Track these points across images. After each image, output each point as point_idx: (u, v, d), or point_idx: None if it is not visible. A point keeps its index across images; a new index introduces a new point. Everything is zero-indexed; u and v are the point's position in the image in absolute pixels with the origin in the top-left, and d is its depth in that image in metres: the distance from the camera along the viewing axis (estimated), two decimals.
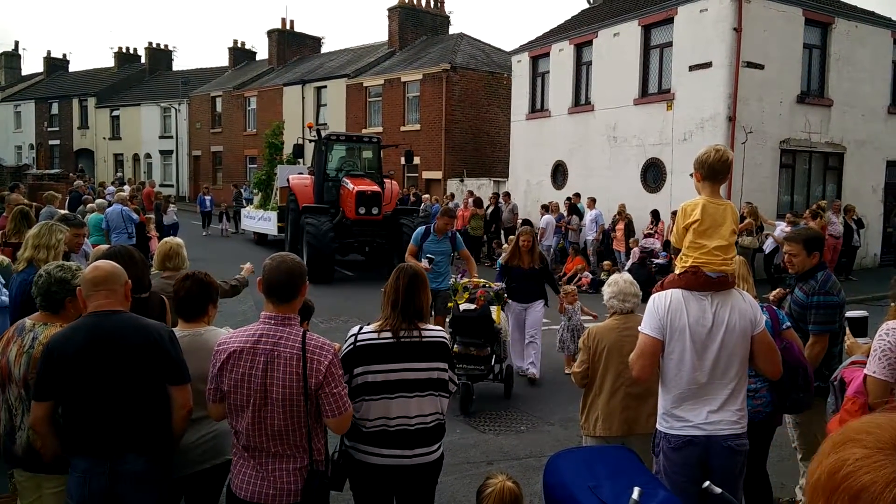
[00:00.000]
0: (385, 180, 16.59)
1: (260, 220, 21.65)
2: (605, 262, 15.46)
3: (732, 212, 3.20)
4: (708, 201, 3.13)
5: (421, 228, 8.14)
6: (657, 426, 3.30)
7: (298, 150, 18.11)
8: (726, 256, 3.13)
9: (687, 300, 3.12)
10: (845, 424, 1.04)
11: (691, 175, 3.33)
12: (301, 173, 18.68)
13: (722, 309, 3.11)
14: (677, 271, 3.20)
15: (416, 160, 23.34)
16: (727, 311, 3.11)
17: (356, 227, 15.18)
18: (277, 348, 2.84)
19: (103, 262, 3.22)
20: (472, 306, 6.97)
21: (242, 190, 27.23)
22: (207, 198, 25.26)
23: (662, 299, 3.16)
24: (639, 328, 3.22)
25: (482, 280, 7.59)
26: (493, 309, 7.12)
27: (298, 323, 2.97)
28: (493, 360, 7.05)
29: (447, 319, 7.38)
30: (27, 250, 4.76)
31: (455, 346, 6.69)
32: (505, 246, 17.63)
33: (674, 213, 14.69)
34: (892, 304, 3.38)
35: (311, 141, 17.45)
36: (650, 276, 13.38)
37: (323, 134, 16.93)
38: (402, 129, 26.79)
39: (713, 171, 3.17)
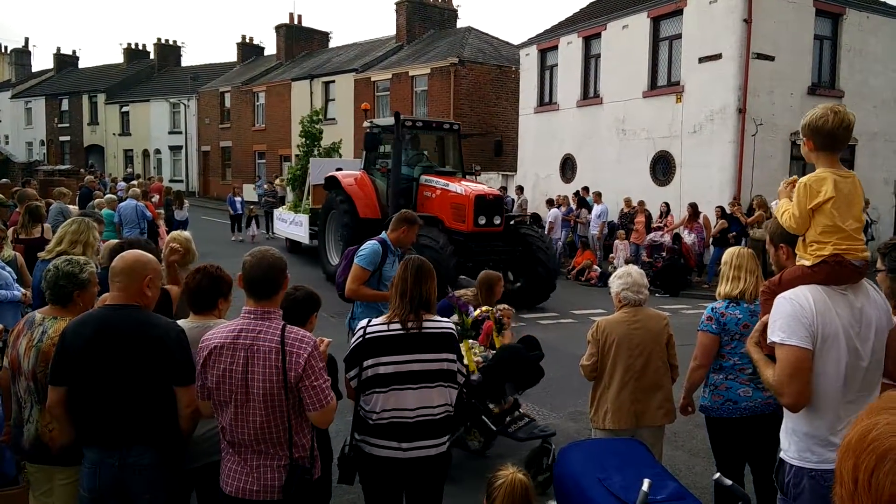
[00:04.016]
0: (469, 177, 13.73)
1: (291, 223, 18.26)
2: (612, 256, 15.41)
3: (860, 184, 2.65)
4: (836, 174, 2.58)
5: (374, 245, 5.30)
6: (798, 464, 2.60)
7: (372, 141, 13.87)
8: (863, 240, 2.66)
9: (832, 298, 2.58)
10: (884, 394, 1.09)
11: (800, 143, 2.78)
12: (339, 168, 15.31)
13: (866, 304, 2.63)
14: (808, 263, 2.63)
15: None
16: (870, 307, 2.63)
17: (472, 243, 11.50)
18: (257, 343, 2.82)
19: (126, 254, 3.18)
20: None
21: (255, 186, 26.33)
22: (238, 199, 21.47)
23: (804, 299, 2.56)
24: (777, 340, 2.57)
25: (485, 307, 5.37)
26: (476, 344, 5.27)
27: (280, 316, 2.95)
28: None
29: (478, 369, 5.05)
30: (62, 244, 4.78)
31: (490, 403, 5.13)
32: None
33: (692, 206, 14.60)
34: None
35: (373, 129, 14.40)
36: (653, 271, 13.34)
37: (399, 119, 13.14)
38: None
39: (833, 140, 2.59)
